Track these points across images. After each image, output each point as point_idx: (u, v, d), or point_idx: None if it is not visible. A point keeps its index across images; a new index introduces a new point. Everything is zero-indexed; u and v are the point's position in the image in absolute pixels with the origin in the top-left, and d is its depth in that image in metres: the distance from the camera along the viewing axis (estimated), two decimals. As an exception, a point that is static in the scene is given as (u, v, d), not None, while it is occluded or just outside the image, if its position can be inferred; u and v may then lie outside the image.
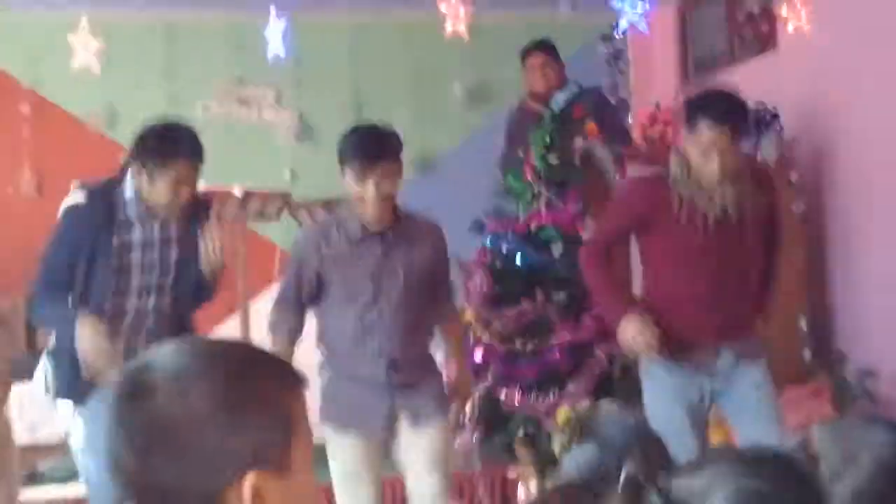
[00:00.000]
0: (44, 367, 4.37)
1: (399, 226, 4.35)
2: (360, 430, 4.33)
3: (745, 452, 1.74)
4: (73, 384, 4.23)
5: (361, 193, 4.21)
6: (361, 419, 4.35)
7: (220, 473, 1.47)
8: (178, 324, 4.39)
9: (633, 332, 4.28)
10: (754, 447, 1.88)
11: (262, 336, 7.26)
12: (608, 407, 5.11)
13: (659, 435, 3.06)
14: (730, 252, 4.29)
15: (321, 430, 4.30)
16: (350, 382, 4.36)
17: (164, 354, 1.53)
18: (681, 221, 4.24)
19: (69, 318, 4.14)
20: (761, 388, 4.37)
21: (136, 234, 4.27)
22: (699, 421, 4.37)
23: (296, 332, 4.45)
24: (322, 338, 4.46)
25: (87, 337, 4.04)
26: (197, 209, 4.38)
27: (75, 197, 4.32)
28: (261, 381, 1.52)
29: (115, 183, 4.30)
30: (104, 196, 4.27)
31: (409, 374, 4.37)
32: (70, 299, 4.26)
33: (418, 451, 4.36)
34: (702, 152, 4.21)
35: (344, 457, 4.33)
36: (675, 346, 4.29)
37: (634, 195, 4.51)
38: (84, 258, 4.21)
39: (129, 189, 4.24)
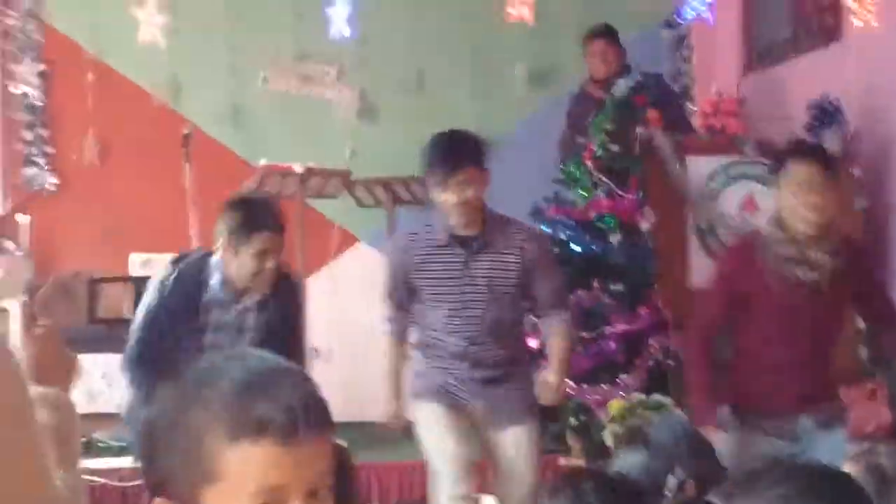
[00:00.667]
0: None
1: (486, 232, 4.37)
2: (447, 405, 4.43)
3: (803, 471, 1.74)
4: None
5: (443, 201, 4.24)
6: (451, 399, 4.44)
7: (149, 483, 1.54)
8: None
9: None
10: (811, 465, 1.88)
11: (315, 312, 7.39)
12: (659, 408, 5.11)
13: (710, 442, 3.07)
14: (818, 318, 4.26)
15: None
16: (441, 373, 4.44)
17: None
18: (772, 287, 4.21)
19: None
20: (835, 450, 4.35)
21: (215, 316, 4.40)
22: None
23: (406, 330, 4.58)
24: (416, 329, 4.57)
25: None
26: (278, 280, 4.46)
27: (166, 271, 4.48)
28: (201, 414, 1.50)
29: (204, 261, 4.43)
30: (192, 276, 4.42)
31: (493, 376, 4.41)
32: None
33: (503, 450, 4.41)
34: (795, 194, 4.17)
35: (433, 419, 4.42)
36: (754, 413, 4.29)
37: (732, 268, 4.47)
38: (171, 332, 4.36)
39: (216, 271, 4.38)
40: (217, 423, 1.44)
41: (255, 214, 4.35)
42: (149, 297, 4.46)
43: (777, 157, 4.35)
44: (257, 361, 1.52)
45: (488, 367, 4.41)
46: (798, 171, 4.18)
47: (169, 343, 4.33)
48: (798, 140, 4.42)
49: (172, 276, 4.41)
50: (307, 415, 1.45)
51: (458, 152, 4.31)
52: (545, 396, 4.51)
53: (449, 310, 4.37)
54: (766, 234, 4.30)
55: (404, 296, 4.48)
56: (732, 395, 4.36)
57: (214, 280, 4.39)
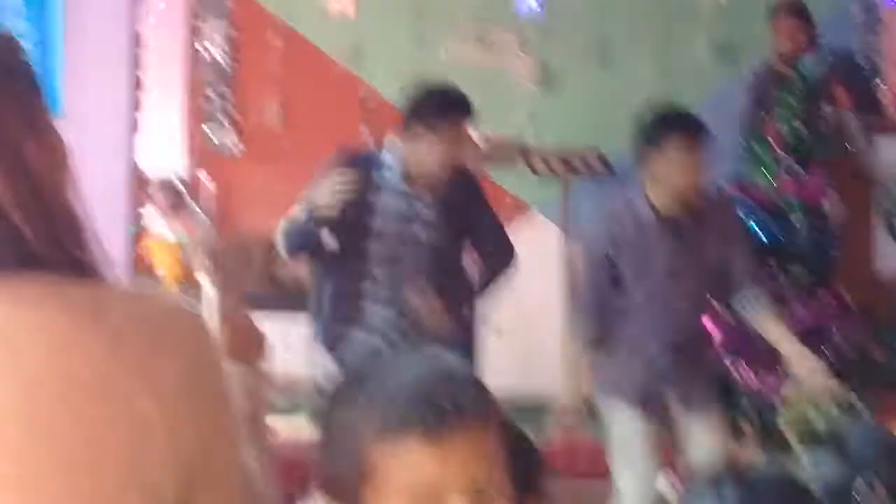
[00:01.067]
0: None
1: (695, 212, 4.26)
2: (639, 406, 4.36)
3: None
4: (329, 330, 4.38)
5: (670, 177, 4.16)
6: (644, 394, 4.36)
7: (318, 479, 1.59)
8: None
9: None
10: None
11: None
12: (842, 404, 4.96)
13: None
14: None
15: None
16: (634, 358, 4.37)
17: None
18: None
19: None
20: None
21: (395, 206, 4.32)
22: None
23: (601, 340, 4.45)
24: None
25: None
26: (461, 186, 4.40)
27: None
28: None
29: (374, 155, 4.41)
30: (363, 162, 4.38)
31: (686, 361, 4.35)
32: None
33: (697, 435, 4.37)
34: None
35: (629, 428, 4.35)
36: None
37: None
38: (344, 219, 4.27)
39: (390, 158, 4.32)
40: (367, 421, 1.49)
41: (442, 98, 4.29)
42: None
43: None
44: (414, 361, 1.56)
45: (683, 350, 4.35)
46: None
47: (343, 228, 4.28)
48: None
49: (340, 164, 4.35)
50: (456, 413, 1.46)
51: (700, 123, 4.32)
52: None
53: (652, 287, 4.28)
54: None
55: (609, 283, 4.35)
56: None
57: (391, 169, 4.32)
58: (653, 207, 4.20)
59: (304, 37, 8.10)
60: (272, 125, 8.06)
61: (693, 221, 4.24)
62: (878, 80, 7.98)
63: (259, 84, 8.10)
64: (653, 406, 4.28)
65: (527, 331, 7.66)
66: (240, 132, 8.10)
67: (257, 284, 7.15)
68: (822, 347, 5.83)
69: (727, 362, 5.93)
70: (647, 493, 4.23)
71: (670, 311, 4.24)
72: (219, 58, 8.08)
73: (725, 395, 4.73)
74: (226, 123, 8.08)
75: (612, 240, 4.26)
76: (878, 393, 5.73)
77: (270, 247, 7.33)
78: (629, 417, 4.28)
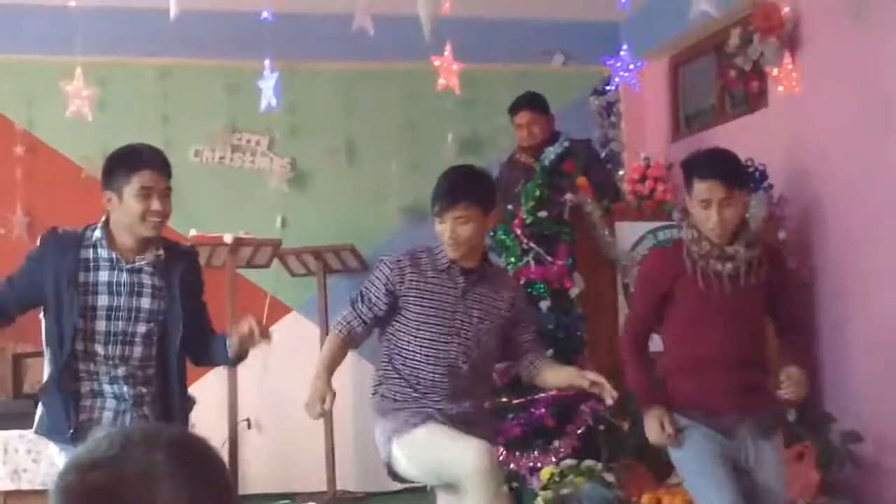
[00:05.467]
0: (39, 407, 4.33)
1: (485, 268, 4.50)
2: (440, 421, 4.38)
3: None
4: (62, 426, 4.20)
5: (439, 232, 4.37)
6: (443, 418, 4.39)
7: None
8: (150, 383, 4.32)
9: (650, 424, 4.35)
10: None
11: (247, 382, 7.33)
12: (590, 473, 5.10)
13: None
14: (745, 314, 4.32)
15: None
16: (414, 402, 4.40)
17: (130, 446, 1.48)
18: (698, 285, 4.27)
19: (58, 356, 4.15)
20: (772, 467, 4.37)
21: (103, 276, 4.18)
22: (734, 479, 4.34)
23: (357, 340, 4.54)
24: (385, 363, 4.50)
25: None
26: (179, 260, 4.29)
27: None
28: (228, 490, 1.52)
29: (87, 227, 4.28)
30: (71, 232, 4.23)
31: (464, 413, 4.39)
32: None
33: None
34: (701, 209, 4.25)
35: (437, 429, 4.34)
36: (700, 410, 4.32)
37: (654, 269, 4.52)
38: (50, 287, 4.12)
39: (98, 230, 4.19)
40: None
41: (135, 154, 4.15)
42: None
43: (684, 168, 4.41)
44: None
45: (463, 399, 4.40)
46: (700, 189, 4.27)
47: (51, 297, 4.10)
48: (701, 153, 4.47)
49: (47, 240, 4.22)
50: None
51: (461, 187, 4.38)
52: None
53: (434, 335, 4.37)
54: (685, 238, 4.37)
55: (381, 310, 4.44)
56: (670, 396, 4.37)
57: (95, 237, 4.16)
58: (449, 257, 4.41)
59: (47, 143, 7.96)
60: (18, 236, 7.83)
61: (484, 274, 4.47)
62: (616, 167, 8.32)
63: (3, 195, 7.88)
64: None
65: (283, 429, 7.62)
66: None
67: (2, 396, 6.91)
68: (572, 421, 5.98)
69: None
70: None
71: (455, 353, 4.40)
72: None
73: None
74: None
75: (406, 274, 4.41)
76: (625, 463, 5.90)
77: (15, 360, 7.13)
78: (438, 429, 4.34)
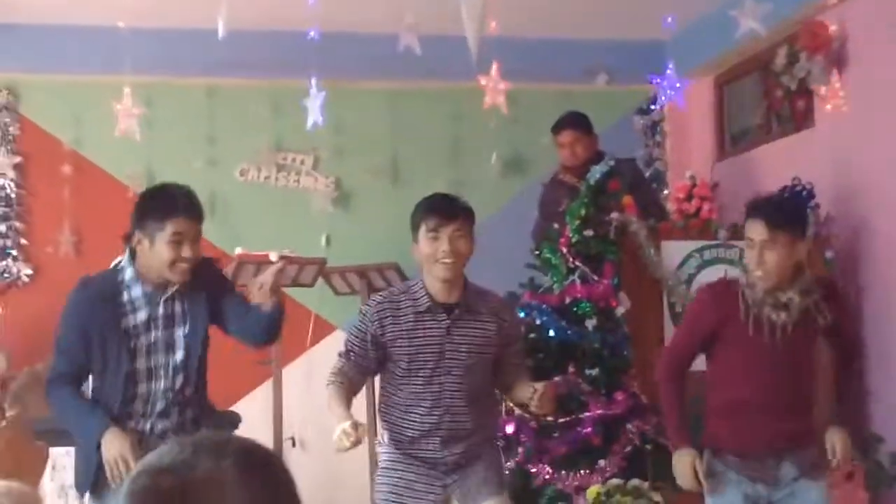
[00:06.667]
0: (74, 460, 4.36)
1: (467, 298, 4.38)
2: None
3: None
4: (94, 479, 4.20)
5: (434, 252, 4.27)
6: (415, 498, 4.33)
7: None
8: (192, 404, 4.34)
9: (680, 468, 4.32)
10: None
11: (291, 401, 7.32)
12: (637, 493, 5.08)
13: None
14: (794, 362, 4.27)
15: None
16: (406, 459, 4.36)
17: (199, 452, 1.52)
18: (748, 330, 4.23)
19: (82, 411, 4.16)
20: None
21: (142, 316, 4.21)
22: None
23: (356, 389, 4.42)
24: (383, 408, 4.46)
25: (114, 447, 4.04)
26: (203, 276, 4.30)
27: (75, 292, 4.27)
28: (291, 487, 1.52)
29: (115, 272, 4.27)
30: (104, 280, 4.25)
31: (465, 453, 4.36)
32: (84, 386, 4.27)
33: None
34: (749, 250, 4.23)
35: None
36: (736, 455, 4.28)
37: (705, 306, 4.46)
38: (96, 342, 4.17)
39: (128, 270, 4.20)
40: None
41: (170, 199, 4.15)
42: (63, 310, 4.26)
43: (746, 210, 4.40)
44: None
45: (457, 444, 4.35)
46: (747, 228, 4.25)
47: (97, 352, 4.15)
48: (759, 197, 4.44)
49: (82, 294, 4.21)
50: None
51: (452, 204, 4.38)
52: (543, 405, 4.31)
53: (427, 377, 4.31)
54: (742, 280, 4.34)
55: (370, 359, 4.38)
56: (708, 437, 4.34)
57: (129, 276, 4.17)
58: (429, 294, 4.32)
59: (94, 162, 8.03)
60: (66, 254, 7.90)
61: (467, 306, 4.37)
62: (661, 186, 8.30)
63: (51, 213, 7.95)
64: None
65: (328, 447, 7.61)
66: (30, 261, 7.92)
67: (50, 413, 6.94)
68: (618, 441, 5.96)
69: (527, 461, 5.98)
70: None
71: (450, 392, 4.33)
72: (9, 188, 7.92)
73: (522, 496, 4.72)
74: (16, 253, 7.89)
75: (386, 324, 4.32)
76: (672, 483, 5.86)
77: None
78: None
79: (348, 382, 4.35)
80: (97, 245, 7.83)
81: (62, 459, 6.60)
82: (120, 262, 4.27)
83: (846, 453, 4.28)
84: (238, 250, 7.19)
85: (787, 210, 4.41)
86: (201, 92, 8.21)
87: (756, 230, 4.21)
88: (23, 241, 7.95)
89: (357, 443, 4.05)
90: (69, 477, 6.59)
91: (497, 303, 4.50)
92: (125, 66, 6.98)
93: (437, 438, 4.32)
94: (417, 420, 4.33)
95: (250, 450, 1.52)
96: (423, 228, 4.34)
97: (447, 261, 4.27)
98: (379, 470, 4.46)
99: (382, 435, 4.51)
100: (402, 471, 4.36)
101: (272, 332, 4.40)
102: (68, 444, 6.30)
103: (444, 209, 4.34)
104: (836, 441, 4.28)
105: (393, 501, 4.34)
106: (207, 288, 4.28)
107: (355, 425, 4.04)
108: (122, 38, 6.99)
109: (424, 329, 4.31)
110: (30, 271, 7.91)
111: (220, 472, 1.45)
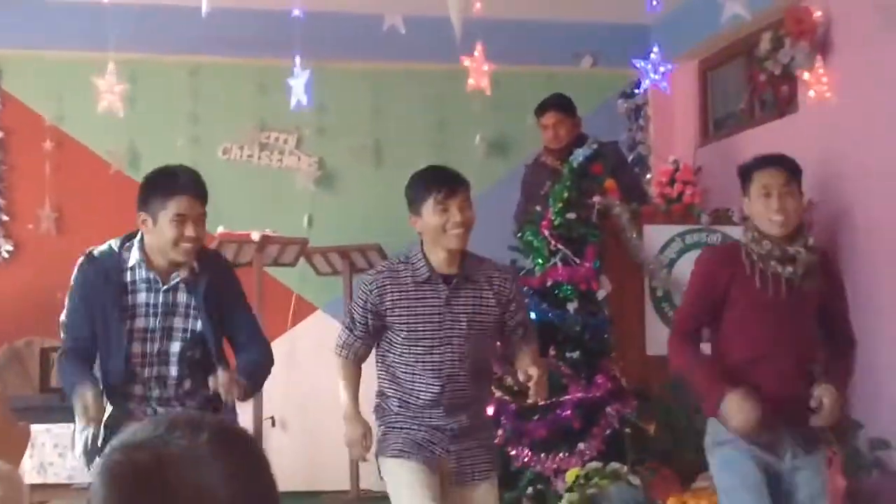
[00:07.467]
0: (82, 432, 4.32)
1: (466, 268, 4.35)
2: (421, 461, 4.30)
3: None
4: (100, 449, 4.19)
5: (444, 223, 4.23)
6: (422, 452, 4.34)
7: None
8: (193, 397, 4.34)
9: (737, 409, 4.14)
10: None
11: (272, 380, 7.32)
12: (615, 475, 5.08)
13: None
14: (799, 319, 4.27)
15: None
16: (415, 420, 4.37)
17: (174, 429, 1.52)
18: (755, 284, 4.23)
19: (74, 381, 4.14)
20: (813, 484, 4.31)
21: (140, 299, 4.20)
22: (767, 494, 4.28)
23: (365, 356, 4.46)
24: (385, 376, 4.46)
25: (82, 399, 4.03)
26: (205, 271, 4.27)
27: (79, 269, 4.24)
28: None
29: (121, 246, 4.26)
30: (109, 256, 4.22)
31: (469, 419, 4.36)
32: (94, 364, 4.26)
33: None
34: (761, 200, 4.21)
35: (408, 478, 4.26)
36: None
37: (711, 267, 4.43)
38: (99, 318, 4.16)
39: (135, 250, 4.19)
40: None
41: (173, 179, 4.13)
42: (70, 288, 4.25)
43: (743, 171, 4.37)
44: None
45: (461, 412, 4.36)
46: (762, 178, 4.23)
47: (101, 328, 4.13)
48: (759, 155, 4.44)
49: (87, 270, 4.19)
50: None
51: (458, 175, 4.34)
52: (539, 392, 4.30)
53: (427, 347, 4.29)
54: (743, 239, 4.33)
55: (372, 328, 4.36)
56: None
57: (134, 259, 4.16)
58: (428, 264, 4.32)
59: (75, 139, 7.99)
60: (46, 231, 7.88)
61: (465, 276, 4.34)
62: (644, 170, 8.32)
63: (32, 190, 7.92)
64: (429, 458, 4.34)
65: (309, 426, 7.62)
66: (10, 237, 7.89)
67: (30, 390, 6.94)
68: (598, 424, 5.97)
69: (507, 443, 5.99)
70: None
71: (451, 362, 4.28)
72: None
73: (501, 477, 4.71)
74: (-5, 227, 7.88)
75: (385, 295, 4.30)
76: (651, 466, 5.88)
77: (42, 354, 7.16)
78: (408, 468, 4.28)
79: (355, 357, 4.42)
80: (78, 222, 7.82)
81: (41, 436, 6.60)
82: (124, 240, 4.26)
83: (833, 408, 4.26)
84: (220, 229, 7.18)
85: (797, 163, 4.43)
86: (185, 70, 8.18)
87: (774, 178, 4.20)
88: (3, 217, 7.92)
89: (368, 449, 4.33)
90: (48, 454, 6.63)
91: (495, 270, 4.48)
92: (108, 42, 6.94)
93: (441, 408, 4.33)
94: (423, 390, 4.34)
95: (225, 427, 1.52)
96: (430, 200, 4.29)
97: (459, 230, 4.27)
98: (383, 428, 4.43)
99: (378, 397, 4.49)
100: (409, 428, 4.37)
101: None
102: (48, 421, 6.35)
103: (452, 180, 4.32)
104: (824, 395, 4.25)
105: (406, 450, 4.33)
106: (208, 291, 4.27)
107: (365, 435, 4.27)
108: (105, 14, 6.95)
109: (424, 299, 4.31)
110: (10, 248, 7.89)
111: (196, 447, 1.45)
